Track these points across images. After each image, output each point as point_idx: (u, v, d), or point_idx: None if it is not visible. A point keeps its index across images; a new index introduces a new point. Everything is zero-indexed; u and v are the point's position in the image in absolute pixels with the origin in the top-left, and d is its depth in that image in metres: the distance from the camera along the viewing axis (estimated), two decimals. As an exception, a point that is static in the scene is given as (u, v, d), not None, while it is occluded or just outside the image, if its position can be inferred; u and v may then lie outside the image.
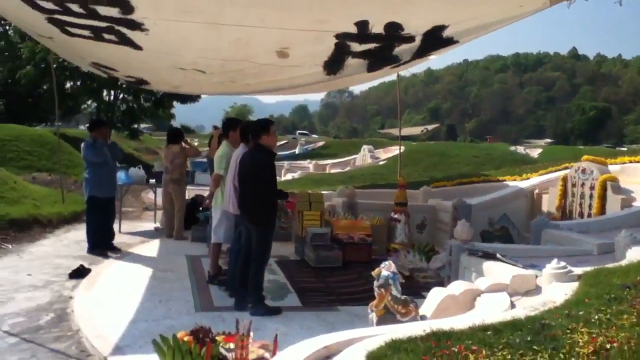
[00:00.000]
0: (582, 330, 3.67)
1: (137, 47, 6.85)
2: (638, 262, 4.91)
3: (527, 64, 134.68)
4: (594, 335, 3.58)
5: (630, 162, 9.39)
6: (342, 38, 6.38)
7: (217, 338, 4.10)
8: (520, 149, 35.45)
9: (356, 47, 6.68)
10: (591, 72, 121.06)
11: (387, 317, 4.88)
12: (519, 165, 17.37)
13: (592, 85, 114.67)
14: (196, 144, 23.57)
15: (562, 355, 3.39)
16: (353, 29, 6.11)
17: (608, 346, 3.47)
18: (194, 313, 5.84)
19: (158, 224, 11.18)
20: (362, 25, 6.00)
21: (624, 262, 5.08)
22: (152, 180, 11.26)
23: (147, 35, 6.30)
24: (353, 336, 3.96)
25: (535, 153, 32.50)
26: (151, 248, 9.22)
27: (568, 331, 3.67)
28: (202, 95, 23.60)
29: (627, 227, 6.52)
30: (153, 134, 55.88)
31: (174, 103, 31.48)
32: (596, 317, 3.84)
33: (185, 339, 3.95)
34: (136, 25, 6.01)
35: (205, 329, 4.08)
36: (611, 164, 9.25)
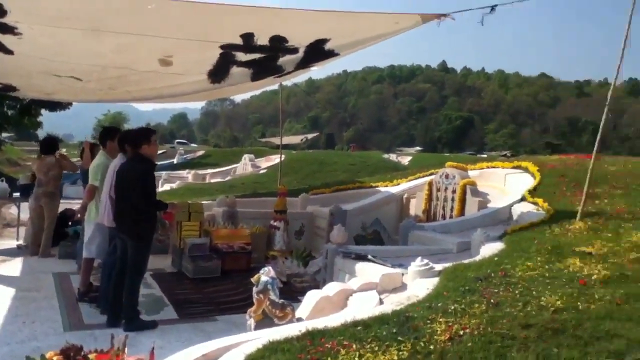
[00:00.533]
0: (440, 320, 4.03)
1: (8, 52, 6.45)
2: (490, 257, 5.45)
3: (401, 76, 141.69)
4: (450, 324, 3.95)
5: (488, 167, 10.32)
6: (228, 48, 6.47)
7: (89, 356, 3.97)
8: (392, 156, 37.18)
9: (242, 56, 6.79)
10: (458, 84, 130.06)
11: (265, 321, 5.00)
12: (391, 172, 18.31)
13: (458, 96, 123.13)
14: (65, 153, 22.17)
15: (422, 344, 3.71)
16: (239, 41, 6.22)
17: (462, 332, 3.84)
18: (62, 333, 5.53)
19: (21, 242, 10.39)
20: (248, 37, 6.15)
21: (478, 258, 5.61)
22: (16, 194, 10.48)
23: (21, 39, 5.97)
24: (232, 342, 4.02)
25: (406, 160, 34.29)
26: (13, 267, 8.54)
27: (428, 321, 4.02)
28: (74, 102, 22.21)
29: (483, 226, 7.19)
30: (15, 143, 51.63)
31: (42, 111, 29.24)
32: (452, 307, 4.22)
33: (55, 358, 3.79)
34: (8, 29, 5.68)
35: (77, 347, 3.93)
36: (471, 169, 10.10)
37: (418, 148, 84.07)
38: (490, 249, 5.85)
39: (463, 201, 8.73)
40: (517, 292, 4.48)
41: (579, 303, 4.29)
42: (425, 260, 5.31)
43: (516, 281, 4.69)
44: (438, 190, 9.49)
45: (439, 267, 5.34)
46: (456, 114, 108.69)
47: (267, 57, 6.89)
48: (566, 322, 4.03)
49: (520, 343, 3.77)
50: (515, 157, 14.47)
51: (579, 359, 3.68)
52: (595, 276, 4.74)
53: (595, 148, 6.37)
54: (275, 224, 9.33)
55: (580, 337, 3.90)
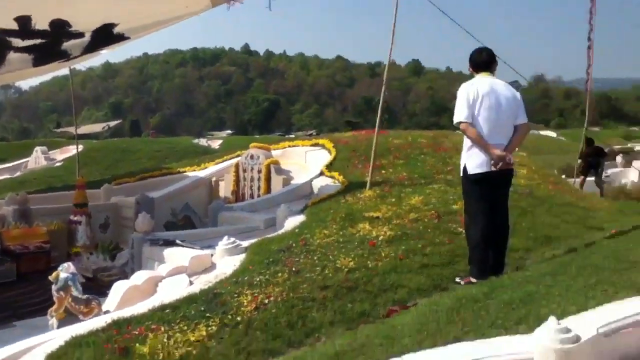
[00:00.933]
0: (247, 292, 4.28)
1: None
2: (292, 230, 5.85)
3: (205, 59, 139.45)
4: (256, 295, 4.22)
5: (290, 146, 10.87)
6: (2, 34, 5.89)
7: None
8: (202, 141, 36.79)
9: (18, 42, 6.22)
10: (262, 66, 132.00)
11: (69, 319, 4.81)
12: (200, 156, 18.22)
13: (263, 79, 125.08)
14: None
15: (230, 317, 3.92)
16: (13, 25, 5.70)
17: (266, 301, 4.13)
18: None
19: None
20: (24, 21, 5.65)
21: (281, 231, 5.98)
22: None
23: None
24: (32, 344, 3.84)
25: (216, 144, 34.16)
26: None
27: (235, 295, 4.24)
28: None
29: (288, 202, 7.62)
30: None
31: None
32: (258, 279, 4.50)
33: None
34: None
35: None
36: (275, 149, 10.55)
37: (229, 131, 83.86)
38: (293, 222, 6.26)
39: (269, 180, 9.13)
40: (315, 258, 4.91)
41: (368, 262, 4.86)
42: (232, 239, 5.52)
43: (315, 248, 5.13)
44: (244, 171, 9.77)
45: (246, 243, 5.59)
46: (263, 96, 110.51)
47: (49, 42, 6.43)
48: (358, 280, 4.55)
49: (319, 303, 4.19)
50: (319, 136, 15.38)
51: (369, 309, 4.21)
52: (382, 237, 5.37)
53: (377, 124, 7.12)
54: (75, 218, 8.82)
55: (370, 291, 4.45)
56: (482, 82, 4.47)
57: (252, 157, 9.64)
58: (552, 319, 2.44)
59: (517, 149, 4.85)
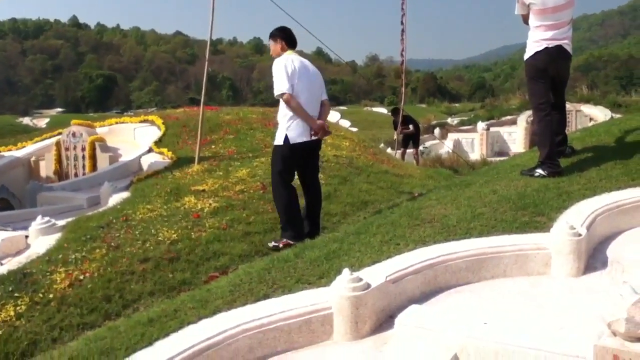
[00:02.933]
0: (60, 270, 4.14)
1: None
2: (114, 206, 5.71)
3: (27, 31, 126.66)
4: (70, 272, 4.09)
5: (117, 123, 10.43)
6: None
7: None
8: (27, 119, 33.78)
9: None
10: (94, 40, 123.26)
11: None
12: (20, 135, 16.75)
13: (96, 53, 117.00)
14: None
15: (41, 295, 3.77)
16: None
17: (82, 277, 4.03)
18: None
19: None
20: None
21: (102, 209, 5.80)
22: None
23: None
24: None
25: (42, 123, 31.64)
26: None
27: (48, 274, 4.07)
28: None
29: (114, 179, 7.36)
30: None
31: None
32: (73, 256, 4.36)
33: None
34: None
35: None
36: (100, 126, 10.06)
37: (59, 109, 77.72)
38: (117, 199, 6.09)
39: (94, 158, 8.72)
40: (137, 232, 4.86)
41: (192, 233, 4.92)
42: (47, 218, 5.25)
43: (136, 223, 5.07)
44: (67, 149, 9.21)
45: (62, 222, 5.35)
46: (97, 72, 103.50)
47: None
48: (180, 251, 4.60)
49: (138, 276, 4.18)
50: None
51: (191, 278, 4.29)
52: (206, 209, 5.45)
53: (202, 100, 7.14)
54: None
55: (192, 260, 4.52)
56: (295, 59, 4.73)
57: (74, 134, 9.10)
58: (346, 271, 2.71)
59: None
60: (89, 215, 5.46)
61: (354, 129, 21.98)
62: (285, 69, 4.62)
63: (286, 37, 4.90)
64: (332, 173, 6.86)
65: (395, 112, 14.01)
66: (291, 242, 4.52)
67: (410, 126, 13.23)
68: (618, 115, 13.91)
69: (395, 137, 13.50)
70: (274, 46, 4.90)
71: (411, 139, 13.42)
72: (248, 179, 6.31)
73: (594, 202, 3.53)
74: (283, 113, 4.71)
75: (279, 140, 4.72)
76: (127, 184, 6.83)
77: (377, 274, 2.87)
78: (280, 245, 4.60)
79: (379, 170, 7.56)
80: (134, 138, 9.61)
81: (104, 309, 3.74)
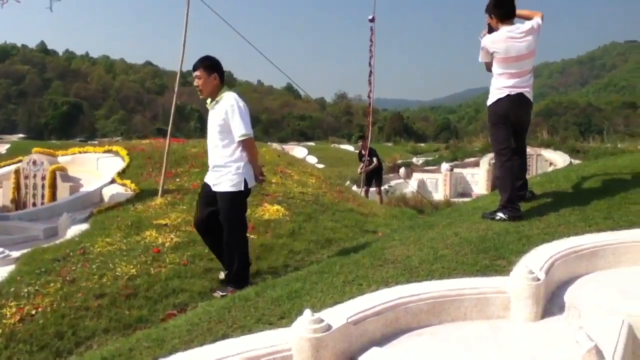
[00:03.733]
0: (11, 304, 3.98)
1: None
2: (71, 239, 5.55)
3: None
4: (22, 306, 3.94)
5: (80, 152, 10.24)
6: None
7: None
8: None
9: None
10: (62, 67, 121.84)
11: None
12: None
13: (63, 80, 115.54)
14: None
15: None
16: None
17: (34, 312, 3.88)
18: None
19: None
20: None
21: (59, 240, 5.64)
22: None
23: None
24: None
25: (3, 149, 30.92)
26: None
27: (-5, 309, 3.90)
28: None
29: (74, 210, 7.20)
30: None
31: None
32: (26, 290, 4.20)
33: None
34: None
35: None
36: (62, 155, 9.87)
37: (21, 135, 76.02)
38: (75, 230, 5.95)
39: (54, 187, 8.51)
40: (94, 266, 4.72)
41: (151, 269, 4.81)
42: (1, 249, 5.07)
43: (94, 257, 4.94)
44: (26, 177, 8.99)
45: (17, 253, 5.17)
46: (62, 99, 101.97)
47: None
48: (139, 287, 4.49)
49: (93, 312, 4.04)
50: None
51: (148, 315, 4.17)
52: (168, 244, 5.36)
53: (169, 132, 7.08)
54: None
55: (151, 297, 4.41)
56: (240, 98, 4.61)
57: (34, 162, 8.90)
58: (307, 312, 2.67)
59: None
60: (45, 247, 5.30)
61: (321, 166, 22.11)
62: (245, 109, 4.53)
63: (222, 72, 4.68)
64: (297, 210, 6.85)
65: (362, 139, 14.14)
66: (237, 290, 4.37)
67: (374, 159, 13.36)
68: (576, 161, 14.36)
69: (359, 171, 13.58)
70: (207, 80, 4.57)
71: (374, 177, 13.54)
72: (212, 214, 6.23)
73: (552, 247, 3.59)
74: (237, 156, 4.53)
75: (238, 186, 4.50)
76: (86, 215, 6.67)
77: (338, 315, 2.84)
78: (228, 294, 4.50)
79: (344, 209, 7.57)
80: (97, 168, 9.44)
81: (55, 347, 3.60)
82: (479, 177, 17.32)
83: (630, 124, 68.13)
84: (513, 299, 3.04)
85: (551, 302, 3.16)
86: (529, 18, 4.70)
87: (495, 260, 3.60)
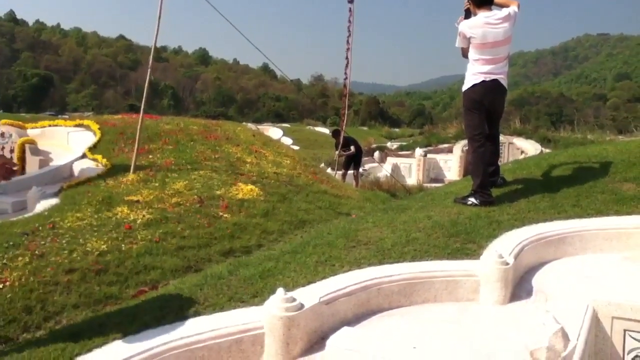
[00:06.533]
0: (-26, 278, 3.89)
1: None
2: (40, 213, 5.46)
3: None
4: (-11, 280, 3.86)
5: (50, 125, 10.03)
6: None
7: None
8: (-49, 116, 31.94)
9: None
10: (31, 38, 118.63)
11: None
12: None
13: (32, 52, 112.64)
14: None
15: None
16: None
17: (1, 286, 3.81)
18: None
19: None
20: None
21: (28, 214, 5.54)
22: None
23: None
24: None
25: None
26: None
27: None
28: None
29: (43, 184, 7.06)
30: None
31: None
32: (-9, 263, 4.12)
33: None
34: None
35: None
36: (31, 128, 9.65)
37: (-10, 107, 73.98)
38: (44, 205, 5.84)
39: (23, 160, 8.34)
40: (64, 241, 4.66)
41: (122, 245, 4.76)
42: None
43: (64, 232, 4.86)
44: (-5, 149, 8.78)
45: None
46: (32, 71, 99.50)
47: None
48: (109, 263, 4.44)
49: (63, 287, 3.99)
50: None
51: (118, 291, 4.14)
52: (140, 220, 5.30)
53: (142, 108, 6.97)
54: None
55: (121, 273, 4.37)
56: None
57: (2, 135, 8.69)
58: (279, 290, 2.69)
59: None
60: (13, 221, 5.19)
61: (296, 147, 22.05)
62: None
63: None
64: (271, 190, 6.84)
65: (336, 133, 14.23)
66: None
67: (352, 147, 13.46)
68: (547, 150, 14.59)
69: (335, 158, 13.66)
70: None
71: (353, 161, 13.62)
72: (185, 192, 6.19)
73: (522, 233, 3.67)
74: None
75: None
76: (56, 190, 6.55)
77: (311, 294, 2.86)
78: None
79: (318, 190, 7.59)
80: (67, 142, 9.25)
81: (23, 321, 3.55)
82: (451, 163, 17.50)
83: (600, 116, 69.56)
84: (482, 282, 3.10)
85: (519, 286, 3.24)
86: (505, 6, 4.74)
87: (465, 244, 3.65)
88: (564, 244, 3.66)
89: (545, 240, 3.61)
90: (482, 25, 4.59)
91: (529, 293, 3.15)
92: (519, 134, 18.40)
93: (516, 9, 4.70)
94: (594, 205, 4.21)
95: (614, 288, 2.92)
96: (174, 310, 3.25)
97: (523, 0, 4.92)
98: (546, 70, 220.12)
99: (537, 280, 3.27)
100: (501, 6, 4.75)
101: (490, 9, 4.68)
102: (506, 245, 3.37)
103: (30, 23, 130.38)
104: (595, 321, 2.68)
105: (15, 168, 2.98)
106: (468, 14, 4.78)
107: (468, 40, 4.68)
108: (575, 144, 14.40)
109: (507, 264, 3.06)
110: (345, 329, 2.65)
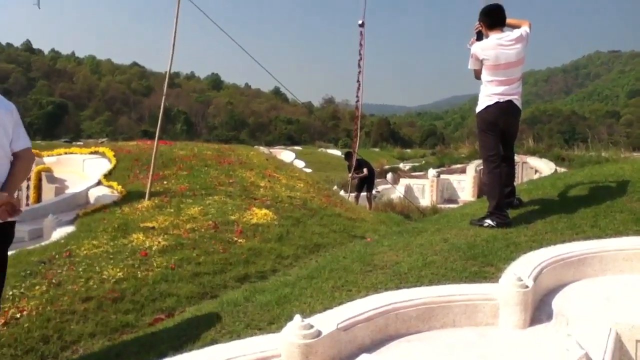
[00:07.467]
0: (-4, 308, 3.91)
1: None
2: (57, 241, 5.49)
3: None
4: (7, 309, 3.88)
5: (65, 153, 10.15)
6: None
7: None
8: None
9: None
10: (47, 67, 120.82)
11: None
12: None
13: (48, 80, 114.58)
14: None
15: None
16: None
17: (18, 315, 3.82)
18: None
19: None
20: None
21: (45, 242, 5.58)
22: None
23: None
24: None
25: None
26: None
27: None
28: None
29: (59, 212, 7.12)
30: None
31: None
32: (10, 293, 4.14)
33: None
34: None
35: None
36: (47, 155, 9.77)
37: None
38: (61, 232, 5.88)
39: (39, 188, 8.43)
40: (80, 269, 4.67)
41: (138, 272, 4.77)
42: None
43: (80, 260, 4.88)
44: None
45: (2, 256, 5.10)
46: (47, 99, 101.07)
47: None
48: (125, 291, 4.45)
49: (80, 315, 4.00)
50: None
51: (135, 319, 4.13)
52: (155, 247, 5.31)
53: (157, 134, 7.04)
54: None
55: (138, 301, 4.37)
56: None
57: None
58: (297, 317, 2.66)
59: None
60: (30, 249, 5.23)
61: (309, 170, 22.10)
62: None
63: None
64: (285, 214, 6.84)
65: (348, 155, 14.25)
66: None
67: (365, 170, 13.46)
68: (561, 169, 14.48)
69: (348, 180, 13.68)
70: None
71: (366, 183, 13.62)
72: (200, 217, 6.21)
73: (540, 254, 3.62)
74: None
75: None
76: (72, 217, 6.61)
77: (328, 320, 2.83)
78: None
79: (332, 213, 7.58)
80: (83, 170, 9.35)
81: (40, 351, 3.55)
82: (465, 184, 17.41)
83: (614, 133, 69.06)
84: (502, 306, 3.06)
85: (539, 310, 3.19)
86: (517, 27, 4.76)
87: (483, 267, 3.61)
88: (584, 265, 3.60)
89: (564, 262, 3.56)
90: (494, 47, 4.60)
91: (549, 316, 3.10)
92: (532, 153, 18.30)
93: (528, 30, 4.71)
94: (612, 225, 4.15)
95: (636, 310, 2.87)
96: (191, 338, 3.24)
97: (533, 19, 4.94)
98: (558, 89, 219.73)
99: (557, 302, 3.21)
100: (513, 27, 4.76)
101: (502, 31, 4.70)
102: (525, 268, 3.32)
103: (46, 52, 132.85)
104: (619, 344, 2.62)
105: (20, 209, 2.74)
106: (480, 36, 4.80)
107: (481, 62, 4.69)
108: (590, 162, 14.29)
109: (527, 286, 3.01)
110: (364, 356, 2.62)
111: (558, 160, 17.29)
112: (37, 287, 4.25)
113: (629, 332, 2.63)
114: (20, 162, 3.06)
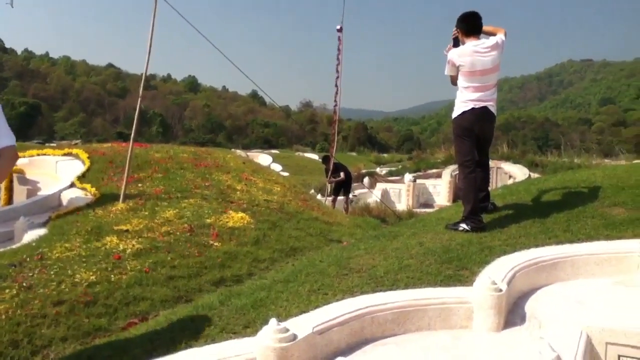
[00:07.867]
0: (-36, 312, 3.82)
1: None
2: (28, 244, 5.38)
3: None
4: (-24, 314, 3.78)
5: (38, 155, 9.96)
6: None
7: None
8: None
9: None
10: (20, 67, 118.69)
11: None
12: None
13: (20, 80, 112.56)
14: None
15: None
16: None
17: (-12, 320, 3.73)
18: None
19: None
20: None
21: (16, 245, 5.46)
22: None
23: None
24: None
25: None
26: None
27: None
28: None
29: (31, 214, 6.97)
30: None
31: None
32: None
33: None
34: None
35: None
36: (20, 157, 9.57)
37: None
38: (32, 235, 5.76)
39: (10, 190, 8.25)
40: (52, 272, 4.59)
41: (111, 275, 4.70)
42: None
43: (52, 263, 4.79)
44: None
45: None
46: (20, 99, 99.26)
47: None
48: (98, 294, 4.38)
49: (51, 319, 3.92)
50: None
51: (108, 323, 4.07)
52: (129, 250, 5.24)
53: (132, 136, 6.95)
54: None
55: (111, 305, 4.31)
56: None
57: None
58: (272, 321, 2.65)
59: None
60: (0, 252, 5.12)
61: (286, 174, 22.07)
62: None
63: None
64: (262, 218, 6.81)
65: (325, 159, 14.29)
66: None
67: (342, 174, 13.51)
68: (535, 174, 14.70)
69: (327, 185, 13.71)
70: None
71: (343, 187, 13.66)
72: (175, 220, 6.15)
73: (514, 258, 3.67)
74: None
75: None
76: (44, 220, 6.47)
77: (304, 324, 2.83)
78: None
79: (309, 217, 7.57)
80: (56, 171, 9.18)
81: (9, 356, 3.47)
82: (441, 188, 17.55)
83: (586, 140, 70.33)
84: (476, 309, 3.09)
85: (513, 313, 3.23)
86: (493, 34, 4.83)
87: (458, 270, 3.65)
88: (556, 269, 3.66)
89: (537, 265, 3.61)
90: (470, 53, 4.66)
91: (522, 319, 3.14)
92: (506, 158, 18.54)
93: (503, 37, 4.79)
94: (584, 230, 4.23)
95: (606, 313, 2.92)
96: (165, 342, 3.21)
97: (508, 27, 5.02)
98: (532, 96, 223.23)
99: (530, 306, 3.26)
100: (489, 34, 4.84)
101: (479, 38, 4.77)
102: (499, 272, 3.37)
103: (19, 52, 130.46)
104: (590, 347, 2.67)
105: None
106: (457, 43, 4.86)
107: (457, 68, 4.75)
108: (562, 168, 14.54)
109: (500, 290, 3.05)
110: (339, 359, 2.62)
111: (532, 166, 17.55)
112: (7, 291, 4.15)
113: (599, 334, 2.68)
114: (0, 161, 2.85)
